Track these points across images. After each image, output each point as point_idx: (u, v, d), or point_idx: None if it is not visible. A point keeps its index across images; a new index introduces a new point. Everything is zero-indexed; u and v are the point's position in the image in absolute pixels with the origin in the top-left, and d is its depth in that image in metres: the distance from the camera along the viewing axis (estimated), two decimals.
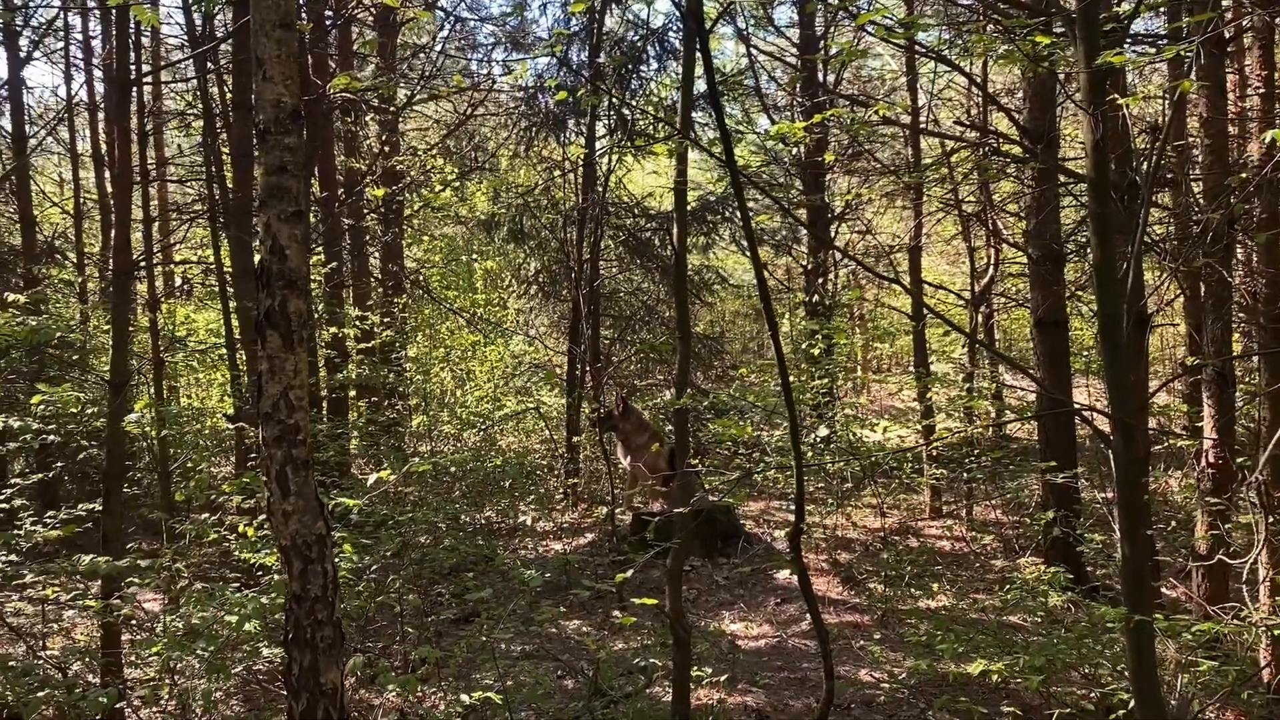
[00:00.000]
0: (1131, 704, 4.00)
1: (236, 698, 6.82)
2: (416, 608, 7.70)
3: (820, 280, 13.40)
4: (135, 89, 7.34)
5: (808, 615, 8.12)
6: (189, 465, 9.89)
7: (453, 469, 9.80)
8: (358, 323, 11.58)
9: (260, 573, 6.54)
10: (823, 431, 8.22)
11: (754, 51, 14.26)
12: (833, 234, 13.20)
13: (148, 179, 10.88)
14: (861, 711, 6.03)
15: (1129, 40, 6.31)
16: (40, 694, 5.39)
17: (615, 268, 14.35)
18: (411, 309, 13.99)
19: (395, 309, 12.77)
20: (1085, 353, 11.94)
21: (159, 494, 9.79)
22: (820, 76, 13.90)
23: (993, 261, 12.26)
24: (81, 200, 14.10)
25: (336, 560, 5.02)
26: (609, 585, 6.69)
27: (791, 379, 10.93)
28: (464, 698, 5.00)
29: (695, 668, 5.78)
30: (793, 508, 10.75)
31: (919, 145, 11.41)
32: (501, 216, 13.92)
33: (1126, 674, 4.52)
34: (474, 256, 16.15)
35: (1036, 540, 9.04)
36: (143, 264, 9.30)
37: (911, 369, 13.58)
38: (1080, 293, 10.35)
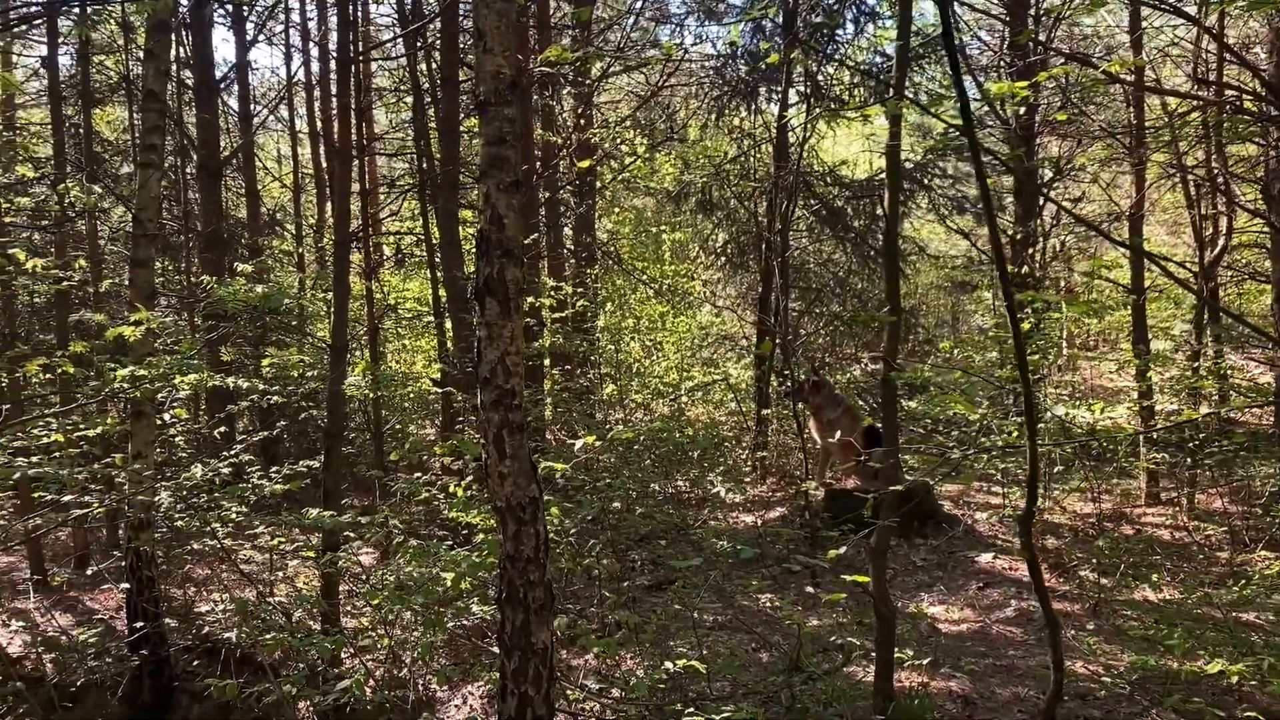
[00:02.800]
0: None
1: (444, 651, 7.12)
2: (613, 573, 7.82)
3: (1029, 251, 12.72)
4: (354, 66, 7.69)
5: (1012, 601, 7.80)
6: (399, 427, 10.37)
7: (643, 438, 9.90)
8: (553, 293, 11.83)
9: (466, 531, 6.79)
10: (1059, 410, 7.77)
11: (957, 9, 13.61)
12: (1041, 203, 12.49)
13: (364, 153, 11.40)
14: (1076, 705, 5.70)
15: None
16: (269, 636, 5.79)
17: (805, 238, 14.10)
18: (603, 280, 14.18)
19: (588, 279, 12.97)
20: None
21: (373, 453, 10.33)
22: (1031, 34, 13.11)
23: (1223, 230, 11.31)
24: (300, 175, 14.97)
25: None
26: (809, 561, 6.57)
27: (994, 356, 10.48)
28: (667, 664, 5.01)
29: (896, 649, 5.61)
30: (997, 490, 10.35)
31: (1143, 106, 10.61)
32: (691, 187, 13.90)
33: None
34: (663, 228, 16.19)
35: (1272, 532, 8.33)
36: (359, 234, 9.78)
37: (1123, 346, 12.74)
38: None
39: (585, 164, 10.97)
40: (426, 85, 9.78)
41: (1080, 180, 14.27)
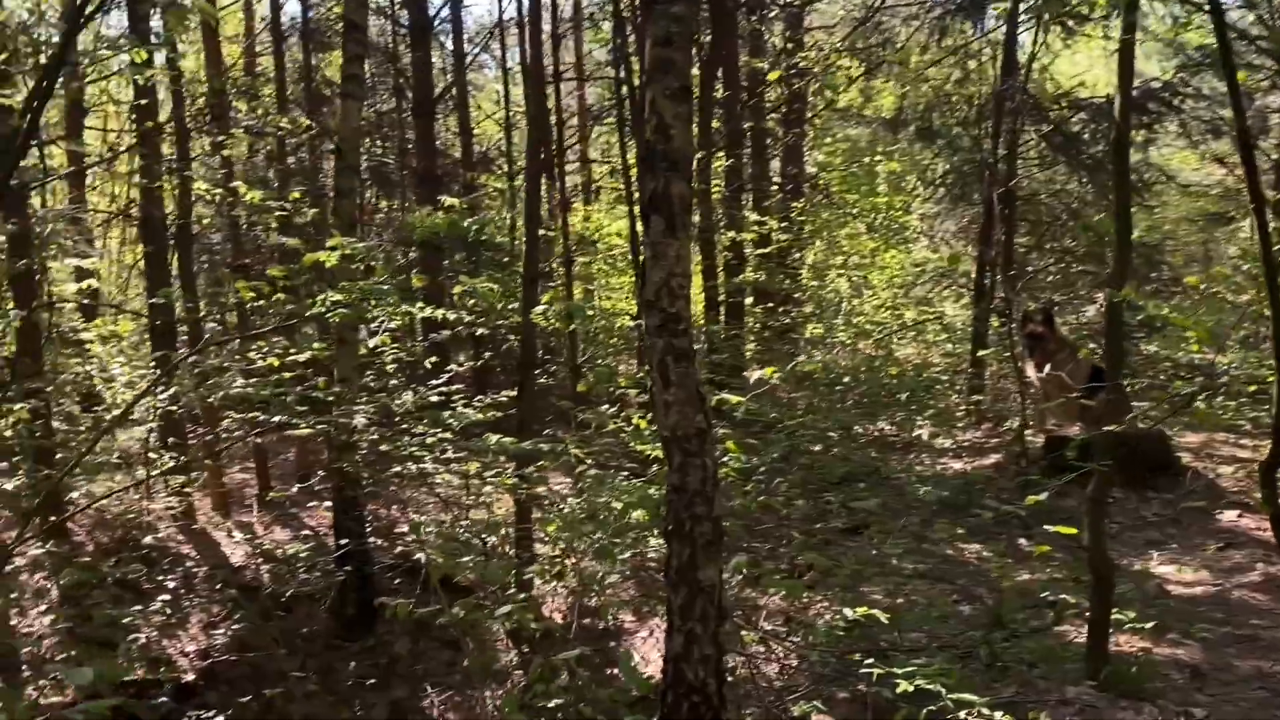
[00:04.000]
0: None
1: (632, 581, 7.07)
2: (805, 513, 7.52)
3: None
4: None
5: (1259, 565, 6.92)
6: (599, 360, 10.40)
7: (846, 378, 9.47)
8: (755, 227, 11.47)
9: (655, 465, 6.67)
10: None
11: None
12: None
13: (559, 80, 11.38)
14: None
15: None
16: (465, 559, 5.89)
17: (1036, 166, 13.01)
18: (810, 213, 13.66)
19: (793, 213, 12.51)
20: None
21: (570, 385, 10.42)
22: None
23: None
24: (511, 112, 15.20)
25: (719, 457, 4.90)
26: (1016, 508, 6.04)
27: (1247, 296, 9.28)
28: (847, 611, 4.70)
29: (1115, 610, 5.05)
30: (1245, 443, 9.23)
31: None
32: (909, 114, 13.10)
33: None
34: (877, 158, 15.40)
35: None
36: (550, 164, 9.76)
37: None
38: None
39: (774, 75, 10.41)
40: (628, 10, 9.54)
41: None
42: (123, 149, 10.58)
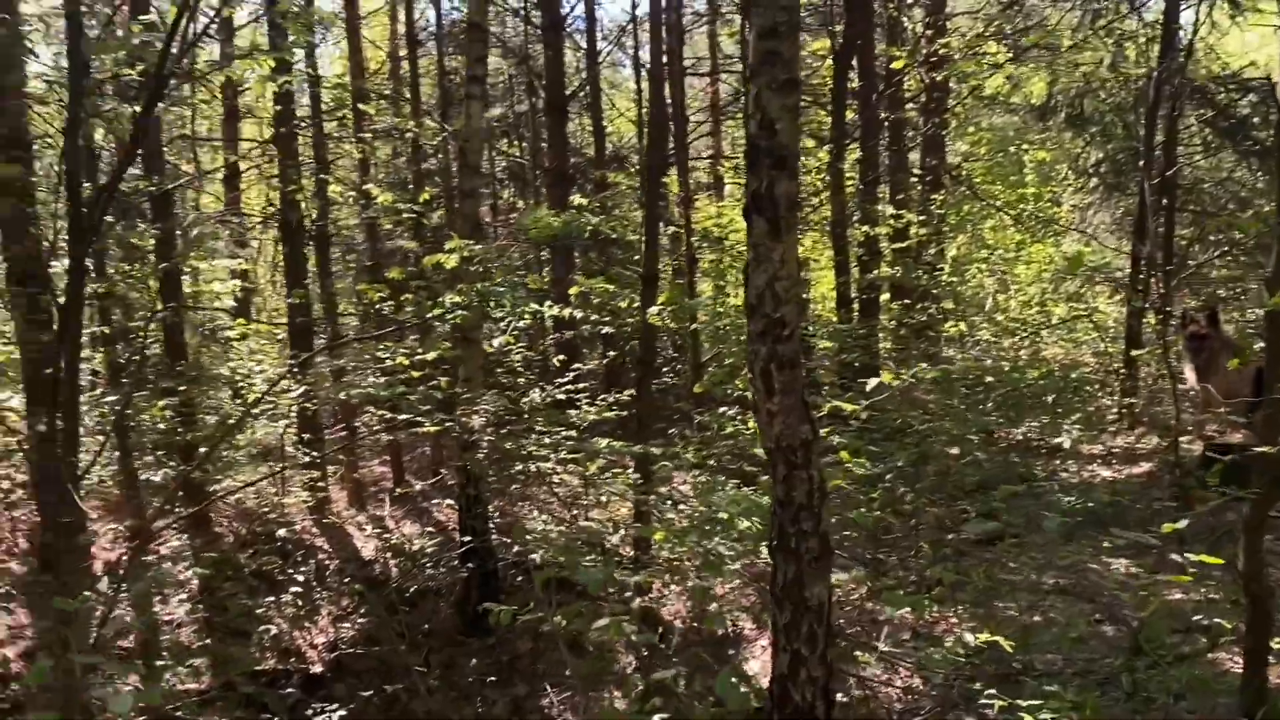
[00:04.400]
0: None
1: (750, 589, 6.89)
2: (935, 523, 7.18)
3: None
4: None
5: None
6: (728, 359, 10.22)
7: (988, 378, 9.00)
8: (891, 220, 11.05)
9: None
10: None
11: None
12: None
13: (681, 76, 11.24)
14: None
15: None
16: (579, 561, 5.84)
17: (1198, 153, 12.12)
18: (951, 206, 13.11)
19: (933, 206, 12.01)
20: None
21: (689, 384, 10.28)
22: None
23: None
24: (644, 109, 15.13)
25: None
26: (1153, 535, 5.58)
27: None
28: (968, 637, 4.42)
29: (1276, 639, 4.59)
30: None
31: None
32: (1059, 101, 12.40)
33: None
34: (1024, 148, 14.66)
35: None
36: (670, 159, 9.63)
37: None
38: None
39: (899, 63, 9.95)
40: None
41: None
42: (259, 154, 11.02)
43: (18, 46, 4.47)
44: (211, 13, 4.42)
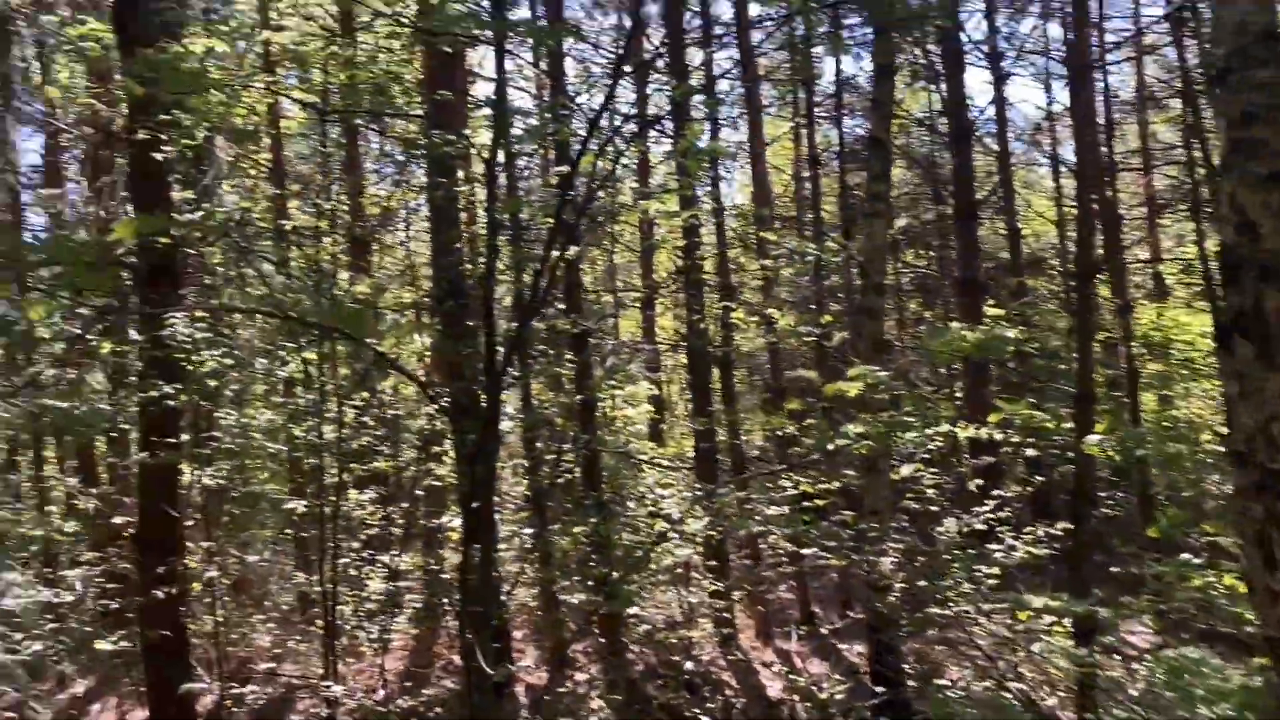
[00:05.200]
0: None
1: None
2: None
3: None
4: (1097, 71, 6.68)
5: None
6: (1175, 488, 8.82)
7: None
8: None
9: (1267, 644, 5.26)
10: None
11: None
12: None
13: (1114, 171, 10.13)
14: None
15: None
16: None
17: None
18: None
19: None
20: None
21: (1139, 521, 8.92)
22: None
23: None
24: (1064, 208, 13.99)
25: None
26: None
27: None
28: None
29: None
30: None
31: None
32: None
33: None
34: None
35: None
36: (1102, 264, 8.58)
37: None
38: None
39: None
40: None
41: None
42: (664, 285, 11.44)
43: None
44: (614, 156, 4.55)
